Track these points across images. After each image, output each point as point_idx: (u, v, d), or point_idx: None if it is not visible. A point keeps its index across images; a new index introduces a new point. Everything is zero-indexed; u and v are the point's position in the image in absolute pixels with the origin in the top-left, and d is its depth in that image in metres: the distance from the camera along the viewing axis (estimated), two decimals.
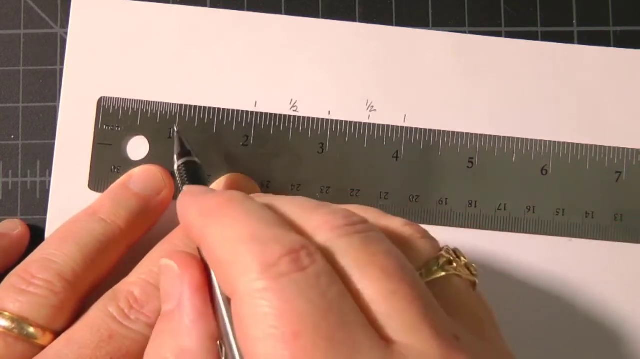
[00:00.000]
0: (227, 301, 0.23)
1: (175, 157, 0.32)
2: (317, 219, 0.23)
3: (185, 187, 0.28)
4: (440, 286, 0.24)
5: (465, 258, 0.26)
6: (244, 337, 0.21)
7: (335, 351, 0.19)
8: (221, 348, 0.23)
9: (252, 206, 0.24)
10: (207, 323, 0.24)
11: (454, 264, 0.25)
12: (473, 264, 0.26)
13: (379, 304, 0.21)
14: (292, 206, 0.25)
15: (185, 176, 0.31)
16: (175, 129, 0.34)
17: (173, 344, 0.24)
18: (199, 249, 0.26)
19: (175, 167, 0.31)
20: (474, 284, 0.26)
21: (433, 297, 0.22)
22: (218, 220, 0.23)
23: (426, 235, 0.27)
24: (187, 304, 0.24)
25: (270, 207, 0.24)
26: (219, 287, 0.24)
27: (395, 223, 0.27)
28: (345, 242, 0.22)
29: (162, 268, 0.26)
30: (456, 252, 0.26)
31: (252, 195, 0.26)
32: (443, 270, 0.25)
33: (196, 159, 0.31)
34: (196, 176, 0.31)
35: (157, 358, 0.25)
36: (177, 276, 0.25)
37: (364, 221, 0.24)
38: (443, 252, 0.26)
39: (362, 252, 0.22)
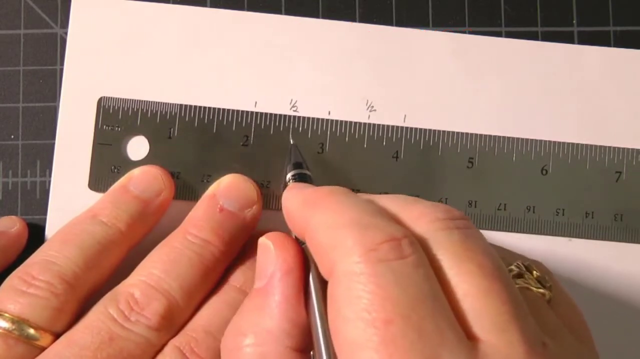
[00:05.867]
0: (322, 286, 0.23)
1: (287, 167, 0.32)
2: (417, 211, 0.24)
3: (291, 184, 0.30)
4: None
5: (537, 272, 0.26)
6: (335, 316, 0.21)
7: (422, 342, 0.19)
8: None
9: (353, 197, 0.24)
10: (292, 306, 0.24)
11: (525, 277, 0.26)
12: (546, 277, 0.27)
13: (471, 300, 0.21)
14: (391, 200, 0.25)
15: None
16: (291, 141, 0.35)
17: (254, 321, 0.25)
18: (296, 238, 0.26)
19: (287, 178, 0.32)
20: (546, 297, 0.26)
21: (524, 301, 0.22)
22: (322, 208, 0.24)
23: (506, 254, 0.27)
24: (277, 284, 0.25)
25: (370, 201, 0.25)
26: (316, 272, 0.24)
27: None
28: (444, 235, 0.22)
29: (260, 246, 0.26)
30: (528, 267, 0.27)
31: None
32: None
33: (308, 172, 0.32)
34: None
35: (237, 331, 0.25)
36: (272, 255, 0.25)
37: (464, 218, 0.24)
38: (513, 266, 0.26)
39: (460, 247, 0.22)
